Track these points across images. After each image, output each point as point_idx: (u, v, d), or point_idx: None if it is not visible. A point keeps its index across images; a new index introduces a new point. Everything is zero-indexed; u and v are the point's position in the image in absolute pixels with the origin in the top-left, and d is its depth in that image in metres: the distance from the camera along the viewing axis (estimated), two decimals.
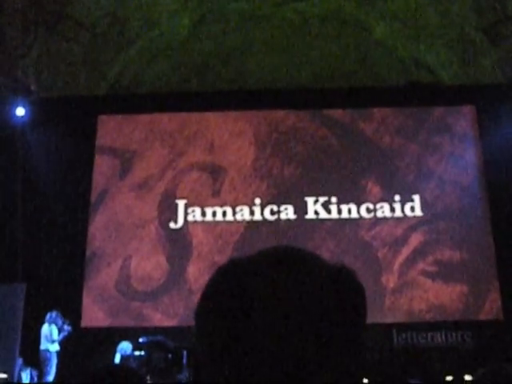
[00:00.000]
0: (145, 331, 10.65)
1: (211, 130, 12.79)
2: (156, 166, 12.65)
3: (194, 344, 0.76)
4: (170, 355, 9.41)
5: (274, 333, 0.68)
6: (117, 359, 10.24)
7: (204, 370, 0.73)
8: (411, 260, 11.93)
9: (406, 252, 11.99)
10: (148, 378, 9.19)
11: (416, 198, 12.25)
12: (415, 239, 12.05)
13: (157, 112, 12.85)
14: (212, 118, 12.86)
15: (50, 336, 10.39)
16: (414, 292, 11.77)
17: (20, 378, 10.48)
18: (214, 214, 12.30)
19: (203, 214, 12.31)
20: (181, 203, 12.42)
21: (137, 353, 9.99)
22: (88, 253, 12.13)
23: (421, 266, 11.88)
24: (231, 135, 12.74)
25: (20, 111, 12.19)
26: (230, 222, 12.25)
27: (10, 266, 11.38)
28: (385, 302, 11.69)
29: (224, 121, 12.83)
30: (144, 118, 12.93)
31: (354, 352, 0.72)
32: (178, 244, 12.20)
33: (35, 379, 10.59)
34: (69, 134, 12.31)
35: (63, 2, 12.77)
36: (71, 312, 11.09)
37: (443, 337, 11.35)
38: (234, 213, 12.29)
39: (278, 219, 12.21)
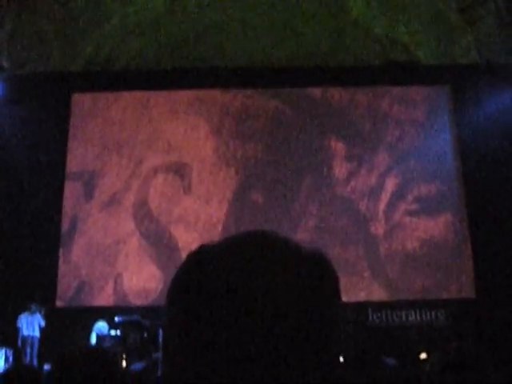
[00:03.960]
0: (120, 311, 10.64)
1: (164, 129, 12.66)
2: (119, 179, 12.45)
3: (164, 325, 0.75)
4: (145, 334, 9.43)
5: (244, 316, 0.67)
6: (92, 339, 10.24)
7: (174, 352, 0.72)
8: (393, 203, 12.19)
9: (385, 197, 12.25)
10: (124, 356, 9.21)
11: (379, 143, 12.46)
12: (390, 183, 12.28)
13: (131, 90, 12.72)
14: (162, 116, 12.68)
15: (38, 323, 10.62)
16: (404, 233, 12.05)
17: None
18: (192, 210, 12.22)
19: (181, 213, 12.22)
20: (155, 208, 12.30)
21: (112, 332, 10.00)
22: (77, 283, 11.88)
23: (403, 206, 12.16)
24: (186, 130, 12.64)
25: None
26: (209, 214, 12.20)
27: None
28: (380, 251, 11.93)
29: (175, 117, 12.69)
30: (95, 134, 12.67)
31: (327, 342, 0.71)
32: (165, 249, 12.03)
33: (10, 359, 10.57)
34: (43, 111, 12.15)
35: None
36: (47, 292, 11.06)
37: (417, 315, 11.51)
38: (211, 204, 12.24)
39: (256, 200, 12.21)
